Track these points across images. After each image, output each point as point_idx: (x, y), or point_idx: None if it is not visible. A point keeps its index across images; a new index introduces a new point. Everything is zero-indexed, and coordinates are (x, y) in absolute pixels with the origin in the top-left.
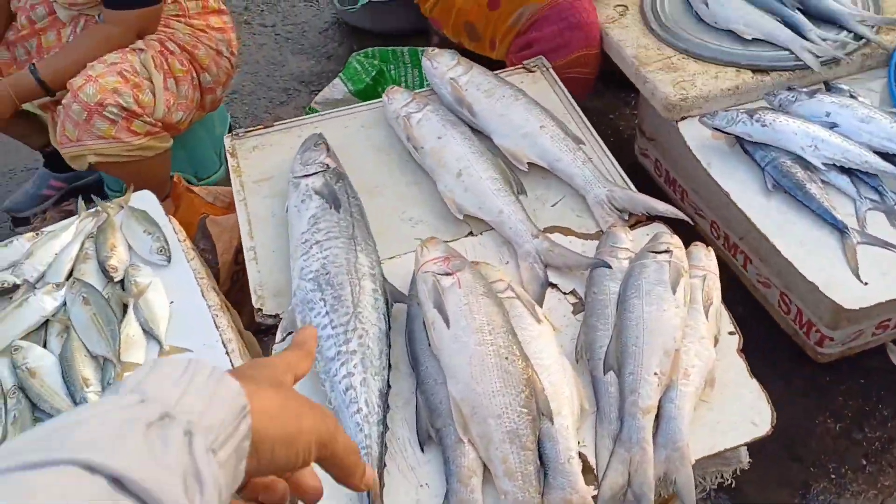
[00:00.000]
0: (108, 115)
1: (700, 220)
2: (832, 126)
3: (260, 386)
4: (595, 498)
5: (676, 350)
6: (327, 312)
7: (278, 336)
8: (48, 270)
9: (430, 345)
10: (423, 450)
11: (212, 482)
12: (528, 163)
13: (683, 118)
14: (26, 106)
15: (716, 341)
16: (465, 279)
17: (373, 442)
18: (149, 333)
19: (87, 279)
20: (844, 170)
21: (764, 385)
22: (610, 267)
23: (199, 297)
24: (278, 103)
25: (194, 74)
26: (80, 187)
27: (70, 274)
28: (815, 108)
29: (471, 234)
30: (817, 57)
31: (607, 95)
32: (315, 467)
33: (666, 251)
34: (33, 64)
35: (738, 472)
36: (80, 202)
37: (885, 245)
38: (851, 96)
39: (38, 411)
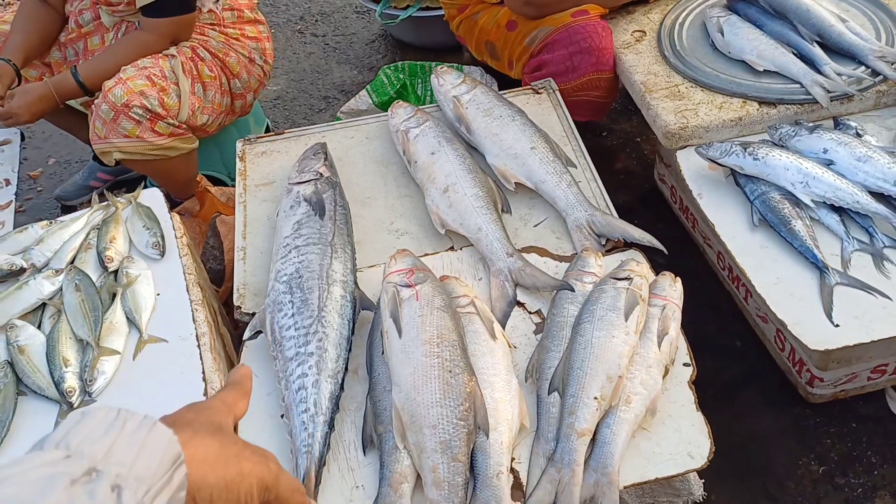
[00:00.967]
0: (134, 116)
1: (708, 250)
2: (828, 163)
3: (197, 432)
4: None
5: (620, 376)
6: (293, 314)
7: (246, 333)
8: (54, 257)
9: (382, 353)
10: (364, 453)
11: None
12: (515, 183)
13: (683, 147)
14: (72, 103)
15: (666, 371)
16: (424, 292)
17: (315, 441)
18: (132, 322)
19: (86, 267)
20: (836, 209)
21: (750, 421)
22: (573, 290)
23: (184, 291)
24: (317, 111)
25: (224, 80)
26: (126, 180)
27: (73, 261)
28: (813, 143)
29: (451, 248)
30: (828, 92)
31: (635, 119)
32: None
33: (626, 278)
34: (75, 66)
35: None
36: (95, 196)
37: (864, 287)
38: (858, 134)
39: (23, 385)
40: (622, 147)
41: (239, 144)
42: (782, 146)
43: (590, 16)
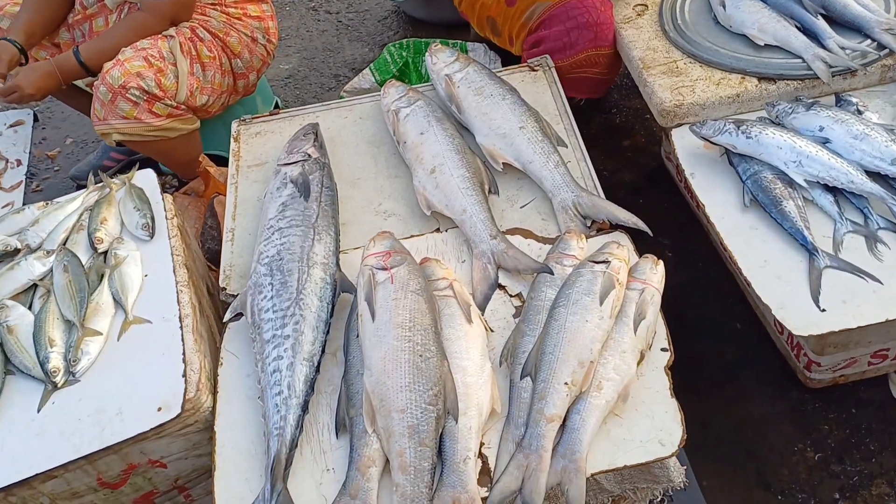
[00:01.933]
0: (131, 97)
1: (711, 230)
2: (825, 142)
3: None
4: (485, 500)
5: (591, 361)
6: (272, 297)
7: (227, 315)
8: (48, 238)
9: (357, 336)
10: (337, 436)
11: None
12: (504, 163)
13: (679, 125)
14: (79, 84)
15: (642, 356)
16: (399, 275)
17: (287, 424)
18: (119, 303)
19: (77, 248)
20: (830, 189)
21: (747, 405)
22: (552, 273)
23: (171, 272)
24: (327, 89)
25: (224, 60)
26: (139, 160)
27: (65, 242)
28: (810, 121)
29: (437, 230)
30: (830, 67)
31: None
32: None
33: (604, 261)
34: (77, 46)
35: (670, 491)
36: (91, 177)
37: (854, 271)
38: (858, 111)
39: (10, 364)
40: (631, 124)
41: (234, 125)
42: (779, 124)
43: None
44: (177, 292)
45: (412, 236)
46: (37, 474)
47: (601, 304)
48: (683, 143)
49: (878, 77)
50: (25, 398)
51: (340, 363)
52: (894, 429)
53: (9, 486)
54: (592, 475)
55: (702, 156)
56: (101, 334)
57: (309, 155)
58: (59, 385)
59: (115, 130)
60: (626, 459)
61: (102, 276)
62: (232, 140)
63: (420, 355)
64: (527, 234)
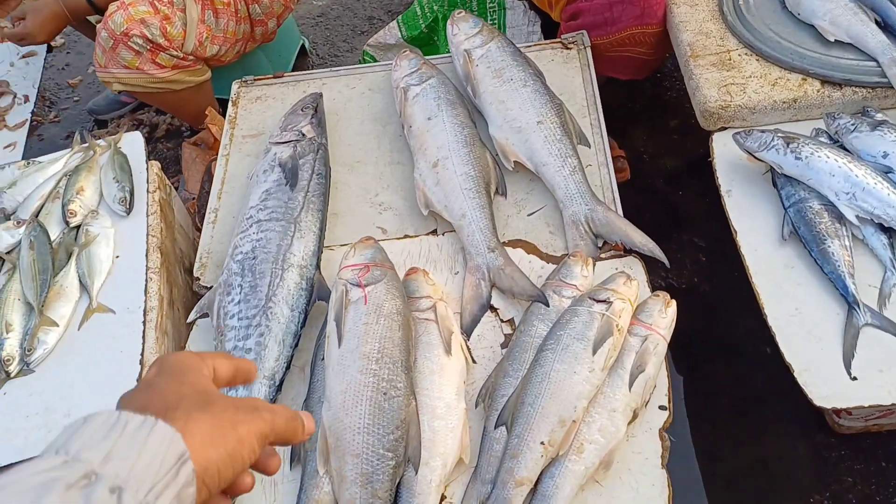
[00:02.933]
0: (133, 46)
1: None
2: (887, 171)
3: (189, 413)
4: None
5: (574, 420)
6: (239, 301)
7: (192, 315)
8: (23, 203)
9: (322, 359)
10: (290, 467)
11: None
12: (515, 162)
13: (723, 129)
14: (91, 20)
15: (635, 415)
16: (375, 294)
17: None
18: (84, 287)
19: (50, 219)
20: (885, 229)
21: (764, 443)
22: (546, 304)
23: (143, 257)
24: (360, 32)
25: (241, 6)
26: None
27: (39, 211)
28: (873, 143)
29: (434, 232)
30: None
31: None
32: None
33: (605, 301)
34: None
35: None
36: (78, 135)
37: None
38: None
39: None
40: (682, 101)
41: (234, 86)
42: (836, 141)
43: None
44: (145, 280)
45: (406, 237)
46: None
47: (594, 353)
48: (724, 150)
49: None
50: None
51: (307, 380)
52: None
53: None
54: None
55: (744, 169)
56: (58, 326)
57: (303, 134)
58: (12, 375)
59: (117, 80)
60: None
61: (71, 254)
62: (230, 103)
63: (384, 393)
64: (530, 248)
